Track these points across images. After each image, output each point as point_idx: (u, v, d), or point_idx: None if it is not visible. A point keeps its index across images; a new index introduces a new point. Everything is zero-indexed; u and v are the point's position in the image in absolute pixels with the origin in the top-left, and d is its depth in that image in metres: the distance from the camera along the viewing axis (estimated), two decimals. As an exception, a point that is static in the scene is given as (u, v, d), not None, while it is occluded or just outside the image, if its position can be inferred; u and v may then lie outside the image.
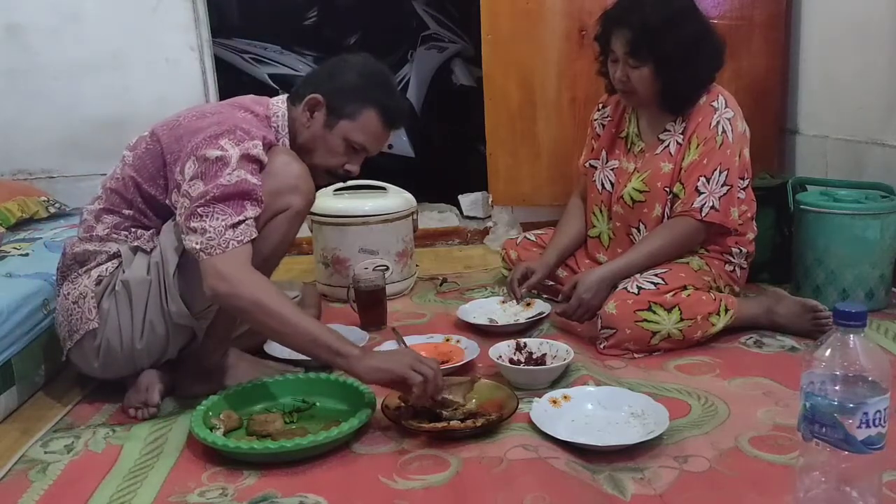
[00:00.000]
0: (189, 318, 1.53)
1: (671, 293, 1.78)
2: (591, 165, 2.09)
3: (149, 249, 1.56)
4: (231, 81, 3.32)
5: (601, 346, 1.80)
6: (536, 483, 1.24)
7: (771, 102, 2.78)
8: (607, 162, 2.04)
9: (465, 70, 4.10)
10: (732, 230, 1.90)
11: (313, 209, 2.00)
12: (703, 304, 1.79)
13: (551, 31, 2.75)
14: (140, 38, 2.80)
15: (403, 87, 3.97)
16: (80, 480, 1.33)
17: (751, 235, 1.98)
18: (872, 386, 1.03)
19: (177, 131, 1.55)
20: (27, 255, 2.01)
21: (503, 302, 2.10)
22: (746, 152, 1.92)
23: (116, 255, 1.57)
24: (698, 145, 1.85)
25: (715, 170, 1.83)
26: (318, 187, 1.63)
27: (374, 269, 2.18)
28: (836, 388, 1.04)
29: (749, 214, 1.96)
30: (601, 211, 2.05)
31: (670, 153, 1.90)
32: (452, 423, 1.42)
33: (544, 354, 1.71)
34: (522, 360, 1.70)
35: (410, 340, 1.76)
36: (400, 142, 3.85)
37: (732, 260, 1.95)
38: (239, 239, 1.42)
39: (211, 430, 1.40)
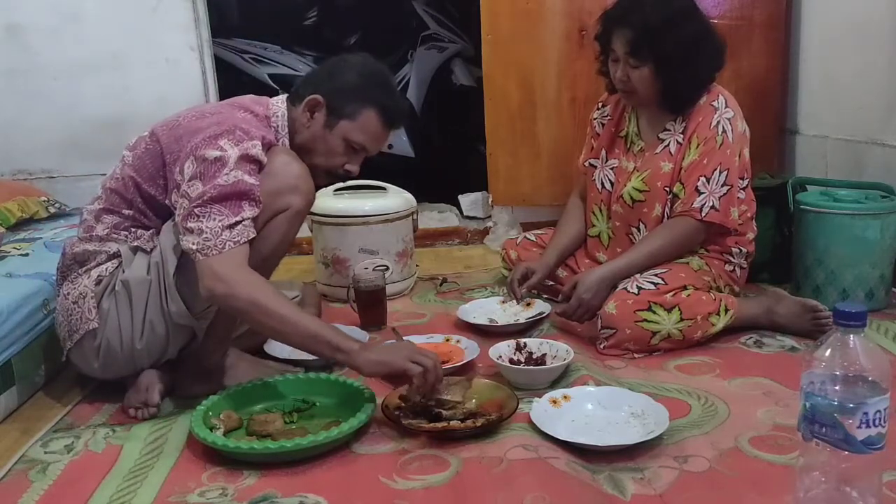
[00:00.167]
0: (189, 317, 1.53)
1: (671, 293, 1.78)
2: (590, 165, 2.08)
3: (149, 249, 1.56)
4: (231, 81, 3.32)
5: (601, 346, 1.80)
6: (536, 483, 1.24)
7: (771, 102, 2.78)
8: (607, 161, 2.04)
9: (465, 70, 4.10)
10: (732, 230, 1.90)
11: (313, 209, 2.00)
12: (703, 304, 1.80)
13: (551, 31, 2.75)
14: (140, 38, 2.80)
15: (403, 87, 3.96)
16: (80, 480, 1.33)
17: (751, 235, 1.98)
18: (872, 386, 1.03)
19: (176, 131, 1.55)
20: (27, 255, 2.01)
21: (503, 302, 2.10)
22: (746, 152, 1.92)
23: (116, 255, 1.57)
24: (698, 145, 1.85)
25: (715, 170, 1.83)
26: (317, 187, 1.63)
27: (374, 269, 2.17)
28: (836, 388, 1.04)
29: (749, 214, 1.96)
30: (601, 210, 2.05)
31: (670, 153, 1.90)
32: (452, 423, 1.42)
33: (544, 354, 1.71)
34: (522, 360, 1.70)
35: (410, 340, 1.75)
36: (400, 142, 3.85)
37: (732, 260, 1.95)
38: (236, 240, 1.42)
39: (211, 430, 1.40)
